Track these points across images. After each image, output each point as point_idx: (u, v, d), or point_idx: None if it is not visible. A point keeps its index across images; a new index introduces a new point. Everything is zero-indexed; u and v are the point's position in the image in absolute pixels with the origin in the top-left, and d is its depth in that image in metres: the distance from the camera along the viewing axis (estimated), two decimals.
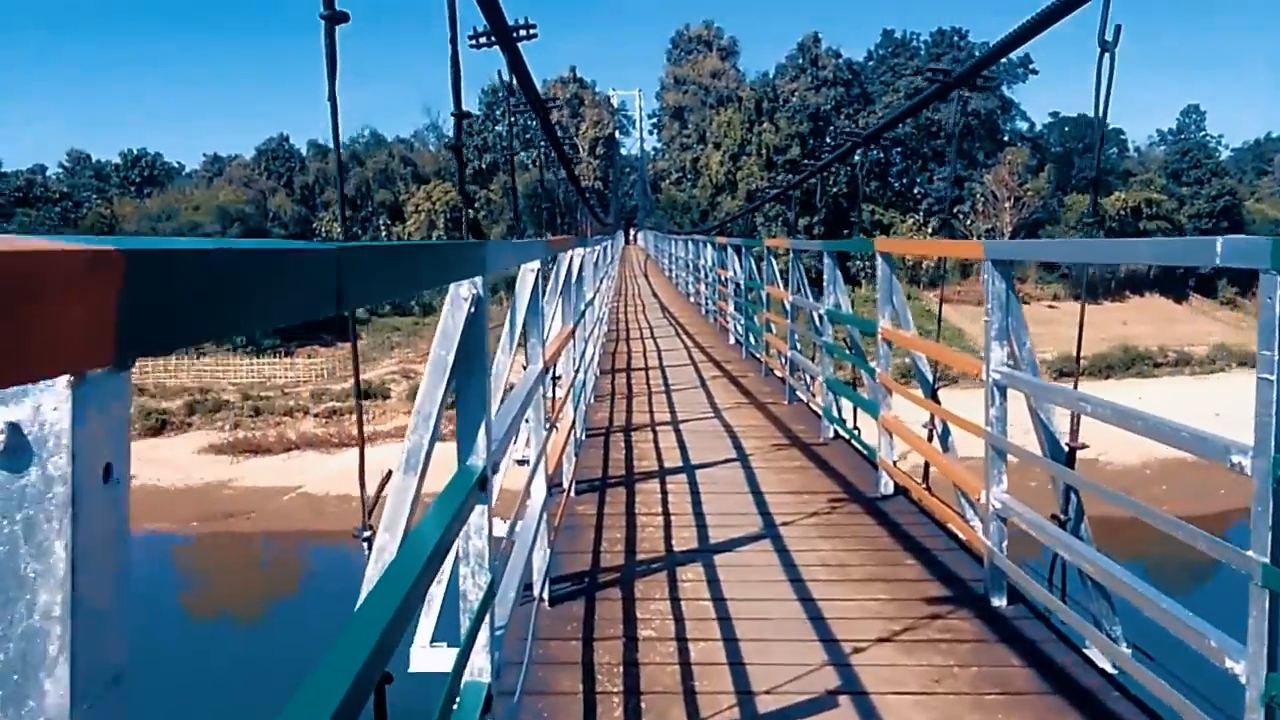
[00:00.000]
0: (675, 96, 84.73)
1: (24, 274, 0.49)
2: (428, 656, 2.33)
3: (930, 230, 60.85)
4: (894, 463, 5.59)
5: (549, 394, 4.52)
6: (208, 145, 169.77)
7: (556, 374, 4.95)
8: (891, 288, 5.50)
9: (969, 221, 59.88)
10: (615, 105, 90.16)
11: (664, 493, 5.65)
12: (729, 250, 14.16)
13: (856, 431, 6.85)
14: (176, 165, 77.45)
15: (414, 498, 1.98)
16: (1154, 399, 31.14)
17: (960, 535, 4.53)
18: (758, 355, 11.39)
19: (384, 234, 62.63)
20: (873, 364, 5.89)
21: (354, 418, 35.07)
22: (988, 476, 3.85)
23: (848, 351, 6.98)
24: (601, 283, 12.02)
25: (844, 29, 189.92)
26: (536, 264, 3.46)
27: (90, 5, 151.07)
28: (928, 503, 4.97)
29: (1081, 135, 71.69)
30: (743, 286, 12.34)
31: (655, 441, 7.17)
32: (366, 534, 2.09)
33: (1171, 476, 27.17)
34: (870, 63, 76.18)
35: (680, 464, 6.46)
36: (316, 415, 34.76)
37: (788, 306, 9.19)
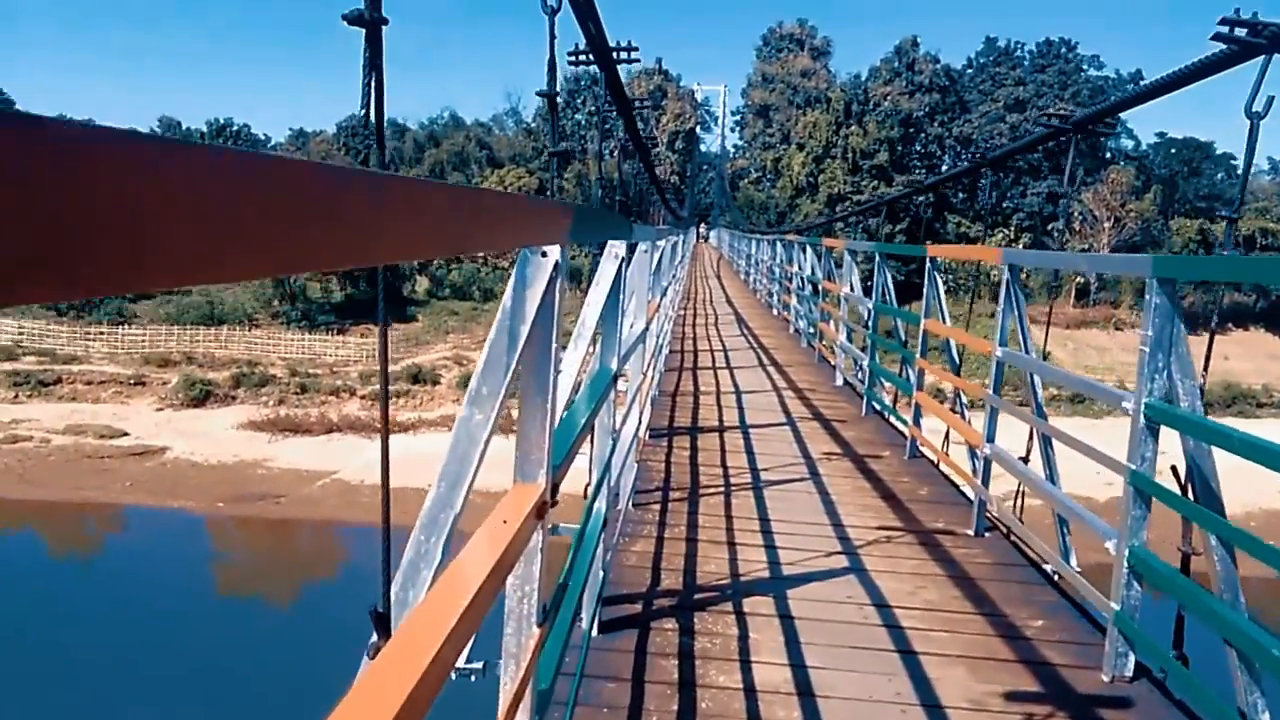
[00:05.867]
0: (761, 94, 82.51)
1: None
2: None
3: (1021, 248, 57.87)
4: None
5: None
6: (296, 121, 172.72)
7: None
8: None
9: (1064, 240, 56.76)
10: (698, 100, 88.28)
11: None
12: (847, 259, 10.47)
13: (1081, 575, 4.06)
14: (263, 137, 77.80)
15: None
16: None
17: None
18: (883, 413, 8.67)
19: None
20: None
21: (404, 403, 33.98)
22: None
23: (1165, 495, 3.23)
24: (666, 293, 8.72)
25: (944, 37, 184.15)
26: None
27: None
28: None
29: (1189, 158, 67.69)
30: (871, 313, 9.01)
31: (738, 612, 3.94)
32: None
33: (1277, 531, 24.51)
34: (969, 70, 73.08)
35: (791, 689, 3.30)
36: (363, 397, 33.61)
37: (959, 354, 6.60)
